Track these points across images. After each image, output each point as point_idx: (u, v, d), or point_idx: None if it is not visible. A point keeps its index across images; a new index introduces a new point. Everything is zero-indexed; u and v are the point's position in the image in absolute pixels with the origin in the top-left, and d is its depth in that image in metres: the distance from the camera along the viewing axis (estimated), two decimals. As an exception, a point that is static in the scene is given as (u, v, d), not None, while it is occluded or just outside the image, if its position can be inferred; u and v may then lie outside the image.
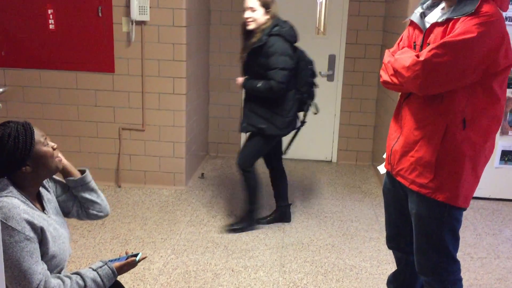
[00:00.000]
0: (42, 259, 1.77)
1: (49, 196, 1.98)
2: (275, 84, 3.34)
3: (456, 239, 2.14)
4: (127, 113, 4.39)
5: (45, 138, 1.85)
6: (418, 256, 2.22)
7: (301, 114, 3.73)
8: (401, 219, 2.37)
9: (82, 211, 2.07)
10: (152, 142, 4.46)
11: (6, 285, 1.71)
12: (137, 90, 4.33)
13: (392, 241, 2.49)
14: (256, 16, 3.40)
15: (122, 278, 2.97)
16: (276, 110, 3.50)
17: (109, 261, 1.96)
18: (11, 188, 1.76)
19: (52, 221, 1.87)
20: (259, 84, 3.40)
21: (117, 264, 1.89)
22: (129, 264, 1.92)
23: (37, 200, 1.90)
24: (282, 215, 3.90)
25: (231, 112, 5.42)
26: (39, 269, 1.71)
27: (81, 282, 1.78)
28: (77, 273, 1.81)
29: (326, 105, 5.36)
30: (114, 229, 3.68)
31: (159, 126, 4.41)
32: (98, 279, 1.82)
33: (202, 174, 4.91)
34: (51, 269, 1.83)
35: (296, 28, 3.53)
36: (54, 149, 1.86)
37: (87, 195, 2.03)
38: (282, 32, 3.39)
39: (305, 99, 3.66)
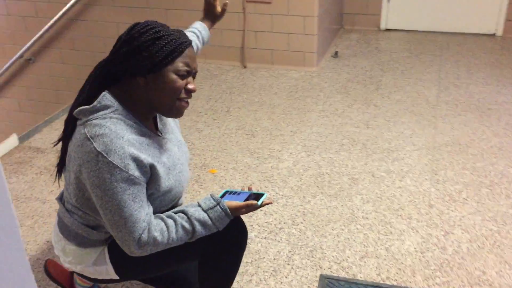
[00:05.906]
0: (153, 196, 1.45)
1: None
2: None
3: None
4: (251, -18, 3.81)
5: (188, 74, 1.41)
6: None
7: None
8: None
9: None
10: (279, 17, 3.89)
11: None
12: (262, -46, 3.68)
13: None
14: None
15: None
16: None
17: (226, 192, 1.57)
18: (117, 106, 1.38)
19: (167, 147, 1.51)
20: None
21: (233, 204, 1.48)
22: (249, 206, 1.49)
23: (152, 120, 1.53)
24: None
25: (372, -25, 4.56)
26: (142, 215, 1.38)
27: (188, 226, 1.43)
28: (183, 212, 1.45)
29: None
30: (240, 118, 3.35)
31: (287, -2, 3.79)
32: (209, 223, 1.45)
33: (336, 52, 4.29)
34: (165, 204, 1.51)
35: None
36: (189, 92, 1.42)
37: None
38: None
39: None
